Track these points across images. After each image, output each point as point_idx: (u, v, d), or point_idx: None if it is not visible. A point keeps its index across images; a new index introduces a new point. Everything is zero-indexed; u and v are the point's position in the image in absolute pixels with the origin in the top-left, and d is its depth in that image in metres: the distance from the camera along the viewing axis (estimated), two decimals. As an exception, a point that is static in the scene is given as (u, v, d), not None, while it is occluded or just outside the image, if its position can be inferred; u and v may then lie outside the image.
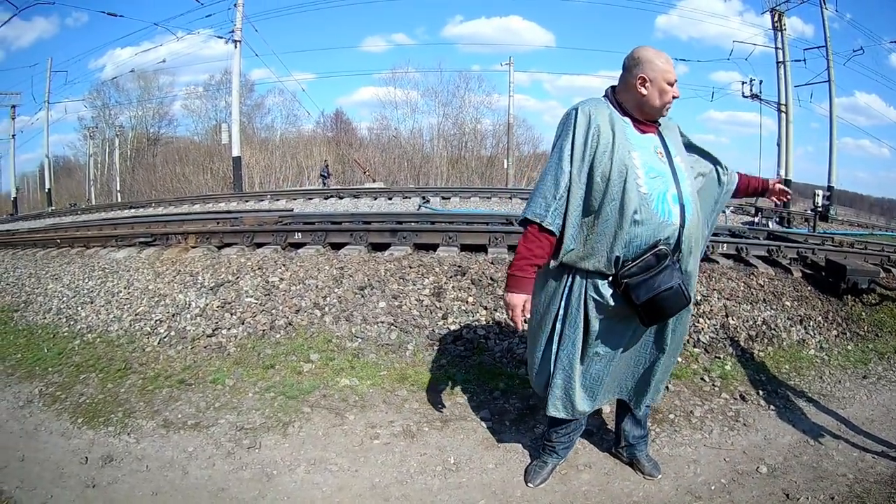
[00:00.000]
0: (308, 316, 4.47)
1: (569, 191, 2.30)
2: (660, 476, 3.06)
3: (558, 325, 2.52)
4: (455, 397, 3.74)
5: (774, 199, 3.05)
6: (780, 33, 23.51)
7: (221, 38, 24.66)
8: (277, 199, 17.30)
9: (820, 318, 6.20)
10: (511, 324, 2.84)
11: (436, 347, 4.25)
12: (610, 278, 2.37)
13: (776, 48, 23.74)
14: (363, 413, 3.45)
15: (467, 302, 4.78)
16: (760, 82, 24.36)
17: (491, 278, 5.15)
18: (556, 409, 2.62)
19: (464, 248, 6.41)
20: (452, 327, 4.46)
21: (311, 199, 17.37)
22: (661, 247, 2.31)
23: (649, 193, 2.29)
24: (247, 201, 17.26)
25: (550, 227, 2.33)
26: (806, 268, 7.56)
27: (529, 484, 2.87)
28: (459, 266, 5.31)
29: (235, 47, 24.47)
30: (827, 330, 6.02)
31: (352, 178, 35.80)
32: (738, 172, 2.86)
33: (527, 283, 2.43)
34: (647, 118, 2.43)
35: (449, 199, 17.30)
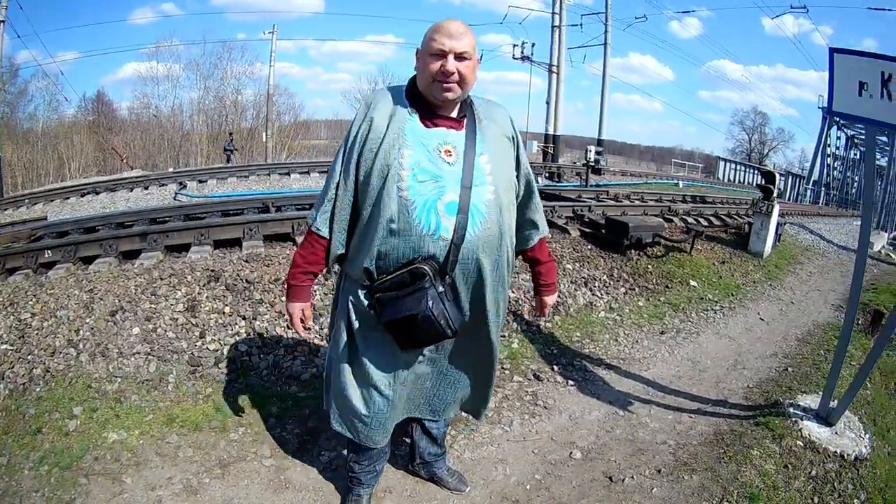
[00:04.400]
0: (64, 358, 4.10)
1: (338, 191, 2.31)
2: (468, 489, 3.04)
3: (333, 330, 2.58)
4: (229, 434, 3.55)
5: (535, 305, 3.01)
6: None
7: (-14, 19, 22.18)
8: (36, 202, 16.26)
9: (605, 276, 6.58)
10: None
11: (198, 374, 4.07)
12: (366, 290, 2.36)
13: (553, 13, 26.57)
14: (139, 473, 3.23)
15: (224, 313, 4.67)
16: (533, 45, 27.84)
17: (246, 280, 5.03)
18: (340, 426, 2.60)
19: (217, 244, 6.35)
20: (212, 346, 4.31)
21: (67, 198, 16.36)
22: (418, 265, 2.21)
23: (412, 200, 2.19)
24: (5, 209, 15.90)
25: (320, 231, 2.35)
26: (584, 226, 8.10)
27: None
28: (212, 270, 5.22)
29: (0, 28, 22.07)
30: (614, 288, 6.39)
31: (112, 166, 34.41)
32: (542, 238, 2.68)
33: (302, 292, 2.49)
34: (433, 104, 2.28)
35: (206, 181, 17.30)
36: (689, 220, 9.84)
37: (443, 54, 2.13)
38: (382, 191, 2.18)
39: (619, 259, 7.08)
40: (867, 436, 3.63)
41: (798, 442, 3.46)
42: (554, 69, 26.46)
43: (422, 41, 2.20)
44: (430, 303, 2.17)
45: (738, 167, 45.23)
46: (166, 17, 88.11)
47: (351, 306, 2.40)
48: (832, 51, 3.38)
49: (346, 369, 2.47)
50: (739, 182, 41.73)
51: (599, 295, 6.13)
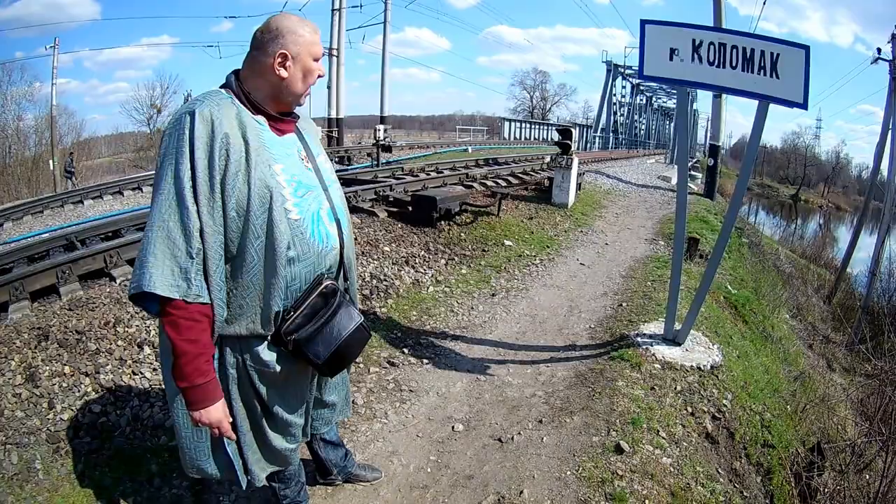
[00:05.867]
0: (-79, 471, 3.59)
1: (204, 238, 1.90)
2: (381, 475, 3.11)
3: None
4: (121, 508, 3.31)
5: None
6: (338, -20, 28.27)
7: None
8: None
9: (423, 252, 6.78)
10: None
11: (62, 451, 3.66)
12: (269, 338, 2.09)
13: (333, -5, 28.50)
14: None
15: (65, 375, 4.25)
16: (314, 31, 28.21)
17: (77, 331, 4.64)
18: (262, 472, 2.33)
19: (34, 295, 5.67)
20: (65, 416, 3.91)
21: None
22: (326, 283, 2.10)
23: (302, 218, 2.04)
24: None
25: (200, 299, 1.91)
26: (390, 206, 8.28)
27: None
28: (39, 328, 4.78)
29: None
30: (435, 261, 6.61)
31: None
32: None
33: (212, 388, 1.98)
34: (283, 110, 2.11)
35: (2, 225, 15.24)
36: (489, 182, 10.41)
37: (320, 57, 2.09)
38: (271, 218, 1.96)
39: (431, 233, 7.33)
40: (715, 346, 4.16)
41: (655, 365, 3.86)
42: (334, 52, 27.07)
43: (291, 43, 2.00)
44: (355, 313, 2.13)
45: (524, 125, 48.61)
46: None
47: (252, 373, 2.12)
48: (643, 22, 3.87)
49: (259, 431, 2.24)
50: (526, 139, 44.79)
51: (423, 270, 6.30)
